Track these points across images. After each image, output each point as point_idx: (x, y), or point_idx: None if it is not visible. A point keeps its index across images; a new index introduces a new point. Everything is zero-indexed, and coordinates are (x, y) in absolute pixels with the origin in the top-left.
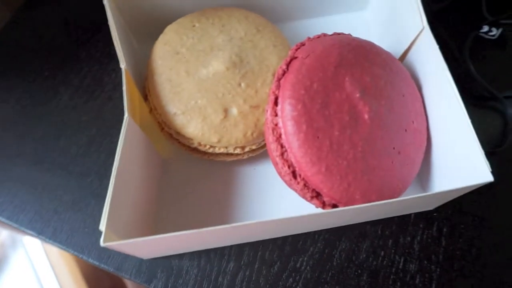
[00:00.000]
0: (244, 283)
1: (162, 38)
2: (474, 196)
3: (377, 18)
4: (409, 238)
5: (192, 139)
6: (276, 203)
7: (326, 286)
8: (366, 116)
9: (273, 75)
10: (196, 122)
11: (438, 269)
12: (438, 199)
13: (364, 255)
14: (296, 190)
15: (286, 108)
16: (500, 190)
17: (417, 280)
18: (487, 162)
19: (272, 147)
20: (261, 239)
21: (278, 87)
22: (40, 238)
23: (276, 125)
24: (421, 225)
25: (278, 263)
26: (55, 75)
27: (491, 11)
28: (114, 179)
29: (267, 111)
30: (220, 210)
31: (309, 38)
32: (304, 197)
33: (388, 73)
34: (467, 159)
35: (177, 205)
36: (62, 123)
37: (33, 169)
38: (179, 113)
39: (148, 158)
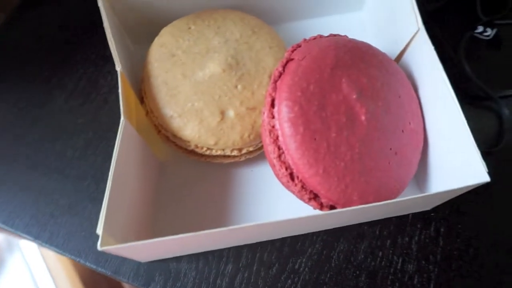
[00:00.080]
0: (243, 285)
1: (158, 41)
2: (471, 196)
3: (372, 19)
4: (407, 239)
5: (189, 142)
6: (274, 205)
7: (324, 287)
8: (363, 118)
9: (270, 77)
10: (193, 125)
11: (436, 269)
12: (436, 200)
13: (362, 256)
14: (293, 192)
15: (283, 110)
16: (497, 189)
17: (415, 281)
18: (484, 163)
19: (269, 149)
20: (259, 240)
21: (275, 89)
22: (36, 243)
23: (273, 127)
24: (418, 225)
25: (277, 264)
26: (50, 78)
27: (485, 11)
28: (110, 183)
29: (263, 113)
30: (217, 212)
31: (305, 39)
32: (301, 198)
33: (384, 74)
34: (464, 159)
35: (174, 208)
36: (58, 126)
37: (29, 173)
38: (175, 116)
39: (145, 161)
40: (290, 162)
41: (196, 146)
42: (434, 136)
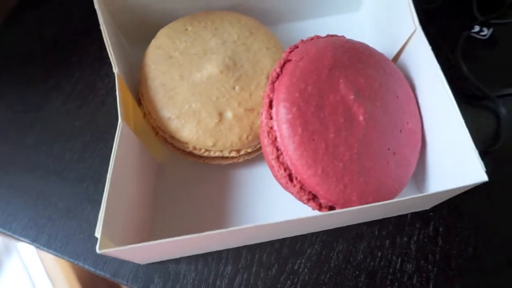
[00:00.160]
0: (242, 286)
1: (154, 42)
2: (469, 195)
3: (370, 19)
4: (405, 238)
5: (187, 143)
6: (273, 206)
7: (324, 287)
8: (361, 118)
9: (267, 78)
10: (191, 126)
11: (435, 269)
12: (434, 199)
13: (362, 256)
14: (292, 193)
15: (281, 111)
16: (495, 188)
17: (415, 280)
18: (482, 162)
19: (268, 150)
20: (258, 242)
21: (273, 90)
22: (34, 246)
23: (271, 128)
24: (417, 225)
25: (276, 265)
26: (47, 80)
27: (482, 11)
28: (109, 185)
29: (261, 114)
30: (216, 213)
31: (302, 40)
32: (300, 199)
33: (382, 74)
34: (462, 159)
35: (173, 209)
36: (56, 128)
37: (26, 176)
38: (173, 118)
39: (143, 162)
40: (289, 163)
41: (194, 148)
42: (432, 136)
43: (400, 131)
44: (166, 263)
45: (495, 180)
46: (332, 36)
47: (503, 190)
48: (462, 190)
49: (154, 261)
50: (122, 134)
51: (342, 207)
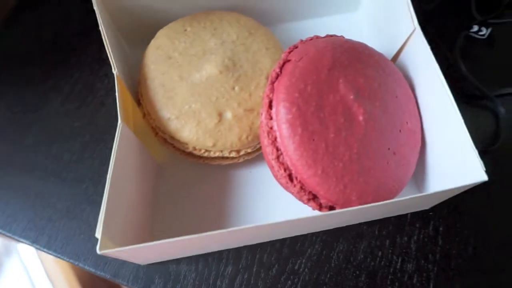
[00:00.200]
0: (243, 286)
1: (154, 43)
2: (469, 195)
3: (369, 19)
4: (406, 238)
5: (187, 144)
6: (273, 206)
7: (324, 287)
8: (360, 118)
9: (267, 78)
10: (191, 127)
11: (435, 268)
12: (434, 199)
13: (362, 256)
14: (292, 193)
15: (281, 111)
16: (494, 188)
17: (415, 280)
18: (481, 162)
19: (268, 150)
20: (258, 242)
21: (272, 90)
22: (34, 247)
23: (271, 128)
24: (417, 225)
25: (276, 265)
26: (45, 81)
27: (480, 10)
28: (108, 186)
29: (261, 114)
30: (216, 213)
31: (301, 40)
32: (300, 199)
33: (381, 74)
34: (461, 159)
35: (173, 210)
36: (54, 129)
37: (25, 177)
38: (173, 118)
39: (143, 163)
40: (289, 163)
41: (194, 148)
42: (432, 136)
43: (400, 131)
44: (167, 264)
45: (494, 180)
46: (331, 36)
47: (502, 189)
48: (462, 190)
49: (155, 261)
50: (122, 135)
51: (342, 207)
